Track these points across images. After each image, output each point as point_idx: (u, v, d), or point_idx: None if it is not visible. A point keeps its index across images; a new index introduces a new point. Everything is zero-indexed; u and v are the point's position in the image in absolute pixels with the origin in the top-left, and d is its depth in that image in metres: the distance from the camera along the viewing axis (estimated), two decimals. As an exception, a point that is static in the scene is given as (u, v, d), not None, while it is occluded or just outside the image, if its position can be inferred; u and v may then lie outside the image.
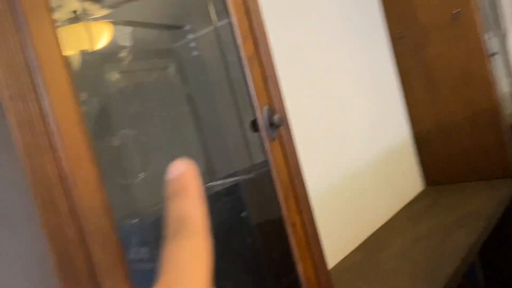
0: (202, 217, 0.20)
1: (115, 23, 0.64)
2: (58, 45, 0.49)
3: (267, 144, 0.72)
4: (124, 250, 0.51)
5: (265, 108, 0.73)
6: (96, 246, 0.47)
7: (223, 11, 0.73)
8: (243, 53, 0.70)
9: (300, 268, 0.74)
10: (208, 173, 0.78)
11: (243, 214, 0.76)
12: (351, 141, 1.77)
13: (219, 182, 0.77)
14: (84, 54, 0.60)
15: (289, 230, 0.74)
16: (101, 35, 0.66)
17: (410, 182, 2.17)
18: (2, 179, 0.48)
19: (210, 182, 0.78)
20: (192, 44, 0.77)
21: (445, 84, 2.05)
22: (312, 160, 1.54)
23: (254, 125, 0.73)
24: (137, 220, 0.69)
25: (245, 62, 0.70)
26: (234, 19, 0.66)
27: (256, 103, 0.72)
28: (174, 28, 0.75)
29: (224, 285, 0.68)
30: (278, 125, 0.73)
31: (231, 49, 0.72)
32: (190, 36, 0.77)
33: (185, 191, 0.20)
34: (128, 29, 0.60)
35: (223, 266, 0.67)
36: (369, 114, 1.92)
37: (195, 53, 0.76)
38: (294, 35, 1.56)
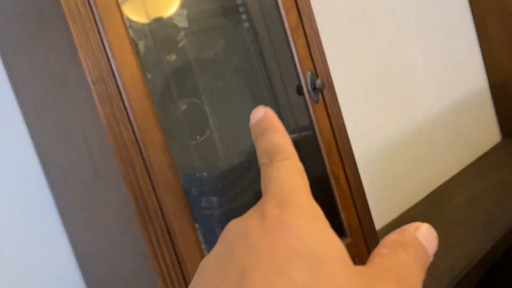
0: (292, 146, 0.22)
1: None
2: (127, 36, 0.60)
3: (310, 107, 0.80)
4: (187, 197, 0.64)
5: (309, 73, 0.80)
6: (164, 194, 0.61)
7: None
8: (286, 24, 0.77)
9: (343, 216, 0.83)
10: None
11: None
12: (419, 93, 1.76)
13: None
14: (154, 23, 0.71)
15: (333, 183, 0.83)
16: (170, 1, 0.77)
17: (484, 134, 2.10)
18: (95, 146, 0.62)
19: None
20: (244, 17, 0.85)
21: (524, 28, 1.91)
22: (370, 118, 1.57)
23: (299, 90, 0.81)
24: (203, 173, 0.82)
25: (288, 32, 0.78)
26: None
27: (299, 69, 0.80)
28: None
29: None
30: (320, 88, 0.80)
31: (276, 16, 0.79)
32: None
33: (271, 128, 0.22)
34: None
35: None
36: (439, 62, 1.87)
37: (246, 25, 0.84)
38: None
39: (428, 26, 1.84)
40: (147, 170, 0.60)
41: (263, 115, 0.23)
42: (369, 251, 0.86)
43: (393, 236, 0.20)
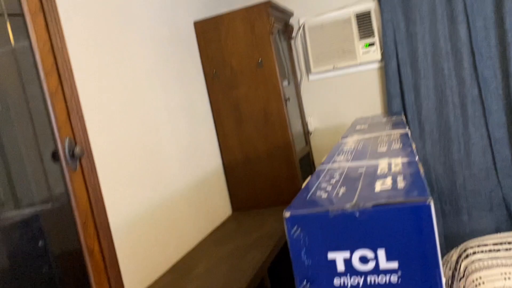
0: None
1: None
2: None
3: (67, 174, 0.76)
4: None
5: (67, 139, 0.77)
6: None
7: (23, 34, 0.75)
8: (45, 88, 0.74)
9: (95, 291, 0.79)
10: (7, 202, 0.77)
11: (40, 244, 0.77)
12: (166, 169, 1.87)
13: (18, 211, 0.77)
14: None
15: (87, 256, 0.78)
16: None
17: (220, 208, 2.38)
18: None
19: (10, 211, 0.77)
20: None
21: (249, 121, 2.35)
22: (124, 189, 1.58)
23: (55, 156, 0.76)
24: None
25: (47, 96, 0.74)
26: (38, 56, 0.70)
27: (57, 135, 0.76)
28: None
29: None
30: (79, 156, 0.78)
31: (33, 77, 0.74)
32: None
33: None
34: None
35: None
36: (184, 144, 2.06)
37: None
38: (108, 70, 1.60)
39: (176, 113, 2.04)
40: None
41: None
42: (120, 327, 0.83)
43: None
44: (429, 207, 0.62)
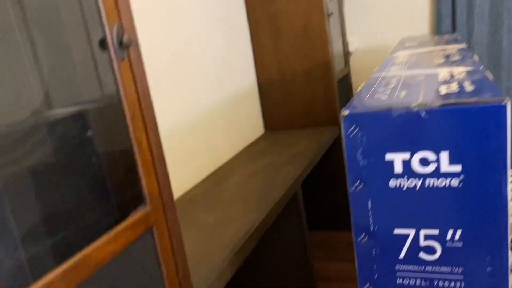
0: None
1: None
2: None
3: (115, 63, 0.74)
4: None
5: (115, 27, 0.74)
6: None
7: None
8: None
9: (144, 182, 0.80)
10: (57, 93, 0.76)
11: (89, 134, 0.77)
12: (201, 82, 1.85)
13: (66, 102, 0.76)
14: None
15: (136, 148, 0.78)
16: None
17: (252, 126, 2.37)
18: None
19: (59, 102, 0.77)
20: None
21: (288, 36, 2.25)
22: (161, 95, 1.57)
23: (103, 44, 0.74)
24: None
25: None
26: None
27: (105, 21, 0.73)
28: None
29: (68, 201, 0.70)
30: (127, 45, 0.75)
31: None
32: None
33: None
34: None
35: (67, 185, 0.69)
36: (220, 57, 2.01)
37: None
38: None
39: (212, 24, 1.96)
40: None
41: None
42: (167, 220, 0.85)
43: None
44: (504, 108, 0.57)
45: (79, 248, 0.66)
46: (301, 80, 2.31)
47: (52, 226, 0.67)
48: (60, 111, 0.73)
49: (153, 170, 0.82)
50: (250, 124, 2.34)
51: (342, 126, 0.67)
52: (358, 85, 2.70)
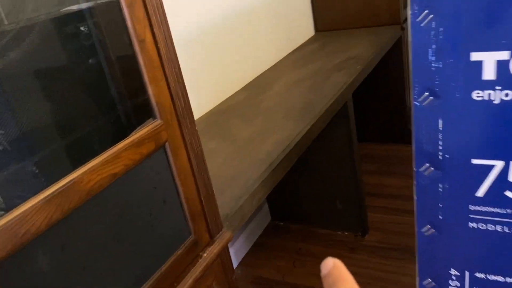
0: None
1: None
2: None
3: None
4: None
5: None
6: None
7: None
8: None
9: (151, 91, 0.65)
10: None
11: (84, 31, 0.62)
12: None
13: (73, 7, 0.61)
14: None
15: (137, 48, 0.62)
16: None
17: (301, 27, 2.12)
18: None
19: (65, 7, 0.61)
20: None
21: None
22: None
23: None
24: None
25: None
26: None
27: None
28: None
29: (66, 107, 0.57)
30: None
31: None
32: None
33: (341, 279, 0.25)
34: None
35: (66, 89, 0.55)
36: None
37: None
38: None
39: None
40: None
41: (332, 266, 0.26)
42: (183, 135, 0.71)
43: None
44: None
45: (69, 170, 0.55)
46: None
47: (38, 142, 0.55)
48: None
49: (162, 75, 0.66)
50: (299, 25, 2.09)
51: (409, 13, 0.46)
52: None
